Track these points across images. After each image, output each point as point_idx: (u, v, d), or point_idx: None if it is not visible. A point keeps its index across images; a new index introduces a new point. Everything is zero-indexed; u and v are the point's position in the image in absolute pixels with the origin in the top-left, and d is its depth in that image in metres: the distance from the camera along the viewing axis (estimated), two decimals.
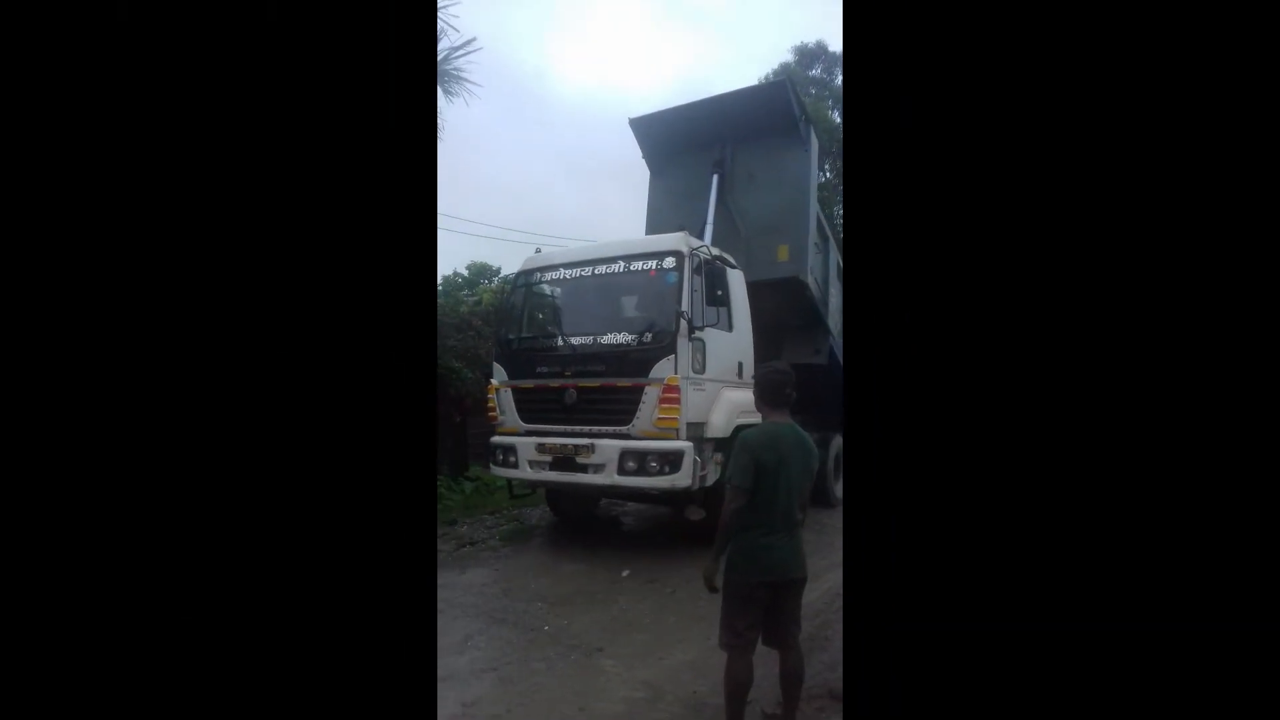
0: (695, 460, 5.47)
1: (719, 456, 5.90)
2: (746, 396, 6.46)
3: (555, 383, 5.91)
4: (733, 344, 6.26)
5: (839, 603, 4.47)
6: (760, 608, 2.64)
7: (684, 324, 5.53)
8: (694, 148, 7.92)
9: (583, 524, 7.16)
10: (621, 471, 5.46)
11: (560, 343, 5.97)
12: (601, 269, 6.09)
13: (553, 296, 6.23)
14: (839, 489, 9.29)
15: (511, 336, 6.45)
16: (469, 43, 8.53)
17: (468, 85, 8.63)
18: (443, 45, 8.33)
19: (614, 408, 5.64)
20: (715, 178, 7.79)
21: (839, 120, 18.56)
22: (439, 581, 4.56)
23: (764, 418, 2.79)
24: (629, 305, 5.99)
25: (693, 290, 5.66)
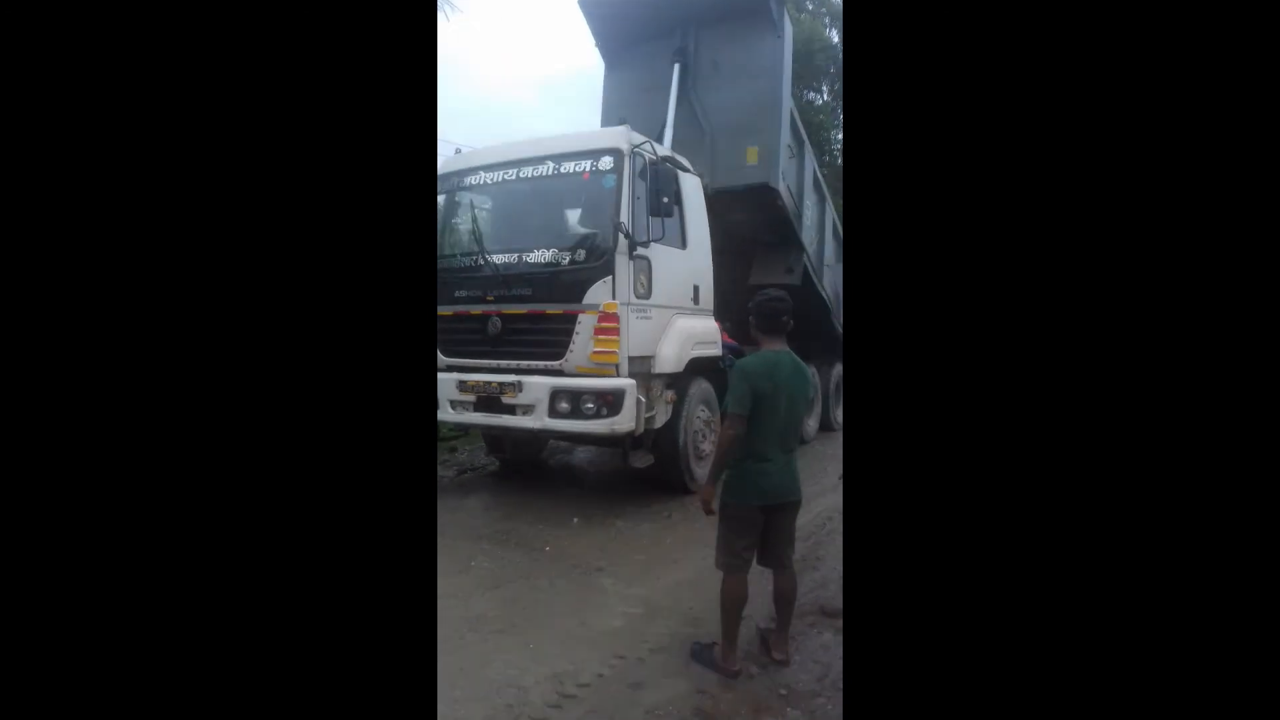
0: (639, 400, 4.63)
1: (670, 394, 5.07)
2: (704, 325, 5.53)
3: (477, 309, 4.99)
4: (686, 263, 5.34)
5: (830, 525, 4.74)
6: (756, 530, 2.74)
7: (623, 239, 4.59)
8: (653, 34, 6.80)
9: (528, 471, 6.38)
10: (553, 413, 4.62)
11: (481, 262, 5.02)
12: (528, 172, 5.08)
13: (472, 206, 5.23)
14: (839, 414, 8.83)
15: None
16: None
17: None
18: None
19: (544, 339, 4.75)
20: (676, 68, 6.70)
21: (837, 40, 17.43)
22: (440, 506, 4.66)
23: (760, 345, 2.77)
24: (560, 216, 5.02)
25: (635, 197, 4.69)
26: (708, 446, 5.45)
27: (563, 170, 4.93)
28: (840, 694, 2.59)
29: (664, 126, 6.46)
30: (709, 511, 2.77)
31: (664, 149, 5.23)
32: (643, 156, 4.80)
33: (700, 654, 2.87)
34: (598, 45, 7.48)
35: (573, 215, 5.00)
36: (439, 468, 6.42)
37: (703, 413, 5.43)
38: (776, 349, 2.72)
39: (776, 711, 2.55)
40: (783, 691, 2.67)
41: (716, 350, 5.60)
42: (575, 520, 4.79)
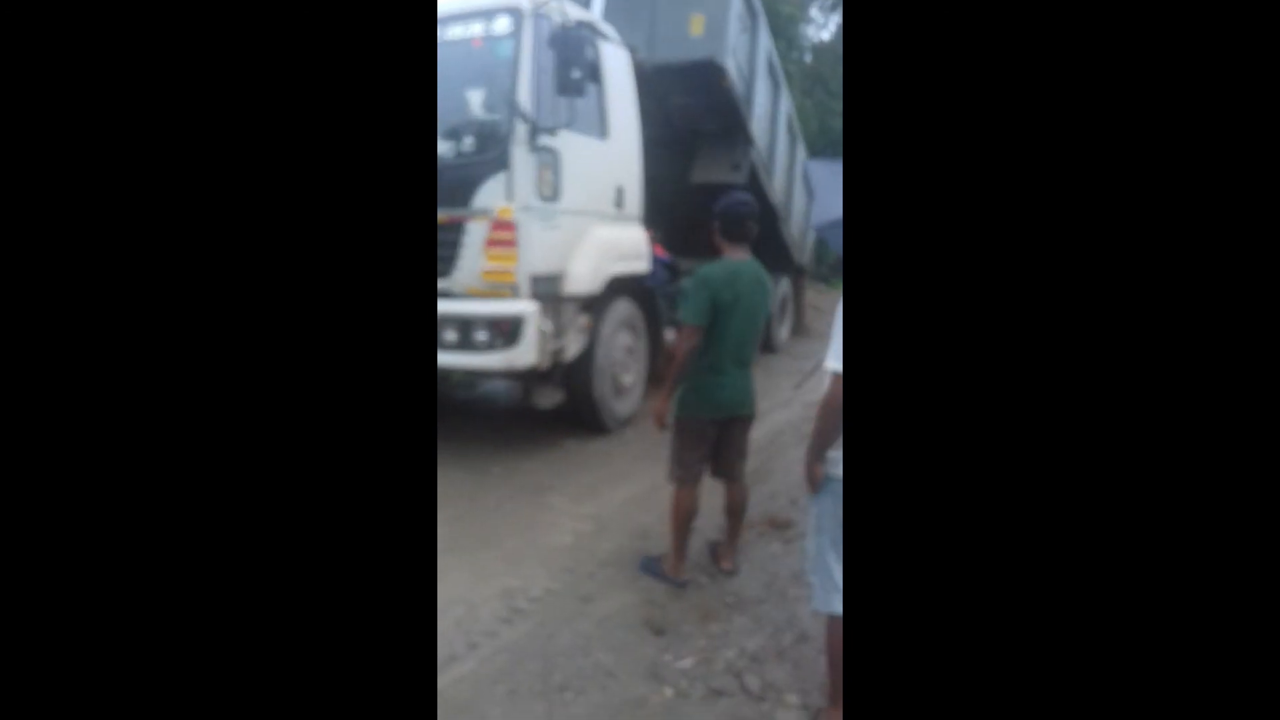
0: (544, 328, 3.81)
1: (585, 320, 4.25)
2: (628, 235, 4.57)
3: None
4: (607, 157, 4.39)
5: (781, 440, 4.74)
6: (709, 443, 2.71)
7: (522, 124, 3.62)
8: None
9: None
10: (439, 345, 3.79)
11: None
12: None
13: None
14: (784, 332, 8.42)
15: None
16: None
17: None
18: None
19: None
20: None
21: None
22: None
23: (723, 253, 2.63)
24: (446, 96, 3.98)
25: (539, 70, 3.68)
26: (630, 379, 4.70)
27: (449, 36, 3.86)
28: (785, 600, 2.74)
29: None
30: (661, 426, 2.73)
31: (581, 12, 4.15)
32: (550, 19, 3.75)
33: (649, 566, 2.89)
34: None
35: (463, 95, 3.96)
36: None
37: (624, 339, 4.63)
38: (739, 258, 2.59)
39: (723, 618, 2.61)
40: (729, 599, 2.74)
41: (643, 265, 4.74)
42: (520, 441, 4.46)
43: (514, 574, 2.86)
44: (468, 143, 3.73)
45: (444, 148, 3.75)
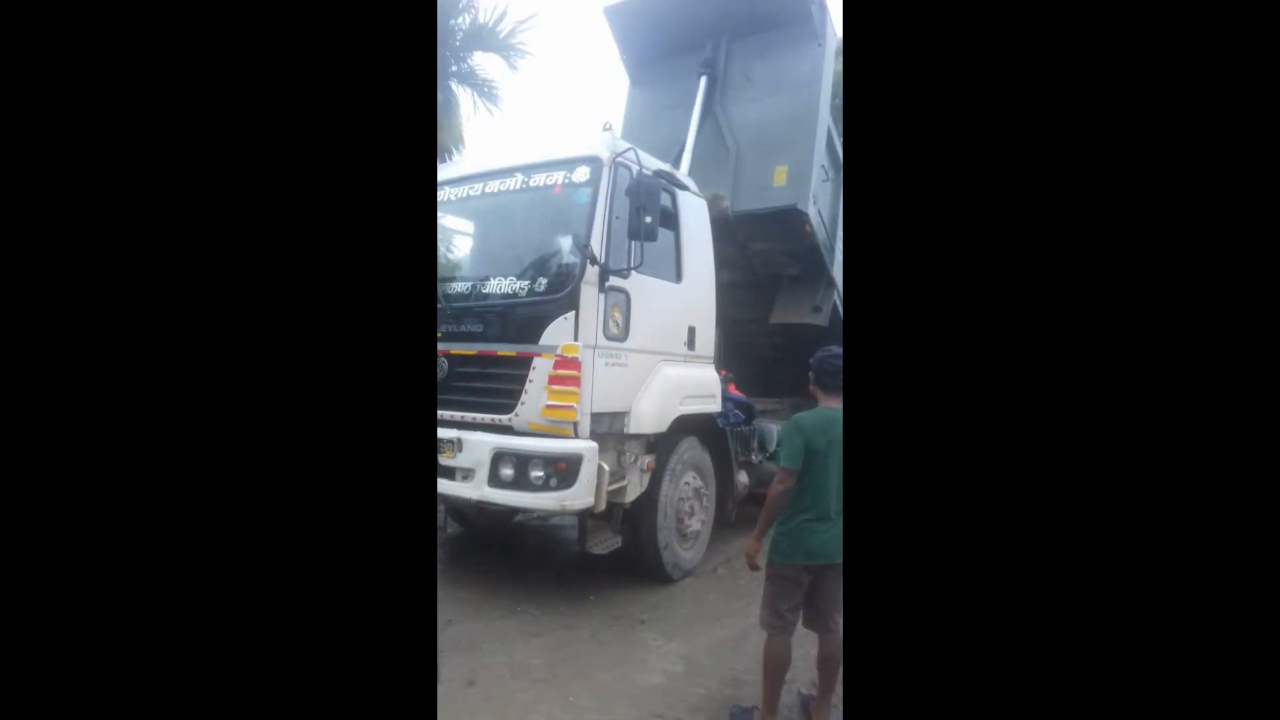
0: (601, 468, 3.70)
1: (649, 461, 4.11)
2: (698, 375, 4.47)
3: None
4: (680, 300, 4.41)
5: None
6: (802, 590, 2.67)
7: (592, 266, 3.71)
8: (682, 47, 6.08)
9: (494, 542, 5.48)
10: (494, 481, 3.73)
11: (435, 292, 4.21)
12: (494, 186, 4.27)
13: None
14: None
15: None
16: (531, 17, 9.13)
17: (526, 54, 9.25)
18: (510, 18, 9.03)
19: (493, 387, 3.89)
20: (703, 80, 5.95)
21: None
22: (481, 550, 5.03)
23: (819, 402, 2.70)
24: (526, 239, 4.16)
25: (613, 216, 3.81)
26: (696, 524, 4.45)
27: (532, 184, 4.10)
28: None
29: (684, 144, 5.66)
30: (753, 567, 2.77)
31: (657, 162, 4.33)
32: (627, 167, 3.92)
33: (740, 718, 2.82)
34: (622, 59, 6.80)
35: (542, 239, 4.14)
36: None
37: (691, 481, 4.44)
38: (833, 407, 2.64)
39: None
40: None
41: (714, 405, 4.61)
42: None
43: (604, 711, 2.87)
44: (541, 283, 3.84)
45: (516, 286, 3.88)
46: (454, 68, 9.26)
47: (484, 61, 9.46)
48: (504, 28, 9.15)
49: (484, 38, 9.20)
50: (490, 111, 9.69)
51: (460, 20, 9.09)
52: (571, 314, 3.69)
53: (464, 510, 5.02)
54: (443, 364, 4.02)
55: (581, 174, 3.93)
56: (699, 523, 4.49)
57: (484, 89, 9.55)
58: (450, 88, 9.39)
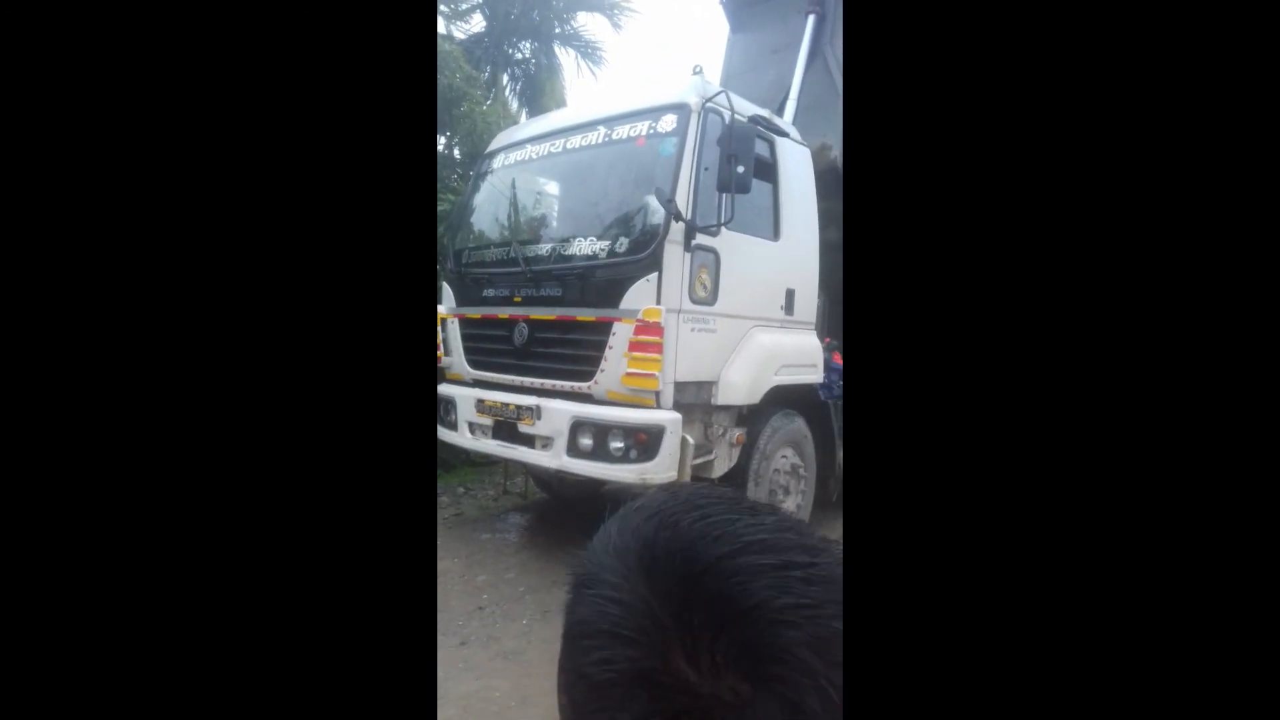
0: (685, 440, 3.43)
1: (739, 434, 3.80)
2: (797, 342, 4.08)
3: (504, 312, 4.04)
4: (778, 260, 4.02)
5: None
6: None
7: (676, 222, 3.40)
8: None
9: (583, 511, 5.35)
10: (573, 450, 3.55)
11: (512, 253, 4.04)
12: (576, 141, 4.03)
13: (513, 186, 4.27)
14: None
15: (461, 246, 4.58)
16: None
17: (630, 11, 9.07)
18: None
19: (572, 353, 3.69)
20: (810, 19, 5.48)
21: None
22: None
23: None
24: (608, 195, 3.90)
25: (700, 168, 3.48)
26: (792, 504, 4.11)
27: (614, 136, 3.83)
28: None
29: (789, 91, 5.23)
30: None
31: (754, 107, 3.93)
32: (717, 113, 3.56)
33: None
34: (722, 2, 6.38)
35: (624, 195, 3.86)
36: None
37: (788, 457, 4.08)
38: None
39: None
40: None
41: (815, 376, 4.21)
42: None
43: None
44: (623, 243, 3.58)
45: (597, 247, 3.64)
46: (557, 30, 9.10)
47: (588, 22, 9.25)
48: None
49: None
50: (593, 72, 9.50)
51: None
52: (654, 276, 3.41)
53: (547, 479, 4.92)
54: (522, 329, 3.87)
55: (668, 123, 3.61)
56: (794, 503, 4.14)
57: (587, 50, 9.34)
58: (553, 50, 9.26)
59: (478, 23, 8.91)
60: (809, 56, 5.39)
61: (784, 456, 4.07)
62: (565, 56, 9.39)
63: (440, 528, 4.62)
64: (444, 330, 4.43)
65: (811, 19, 5.48)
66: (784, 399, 4.02)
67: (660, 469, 3.35)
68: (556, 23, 9.02)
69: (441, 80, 6.35)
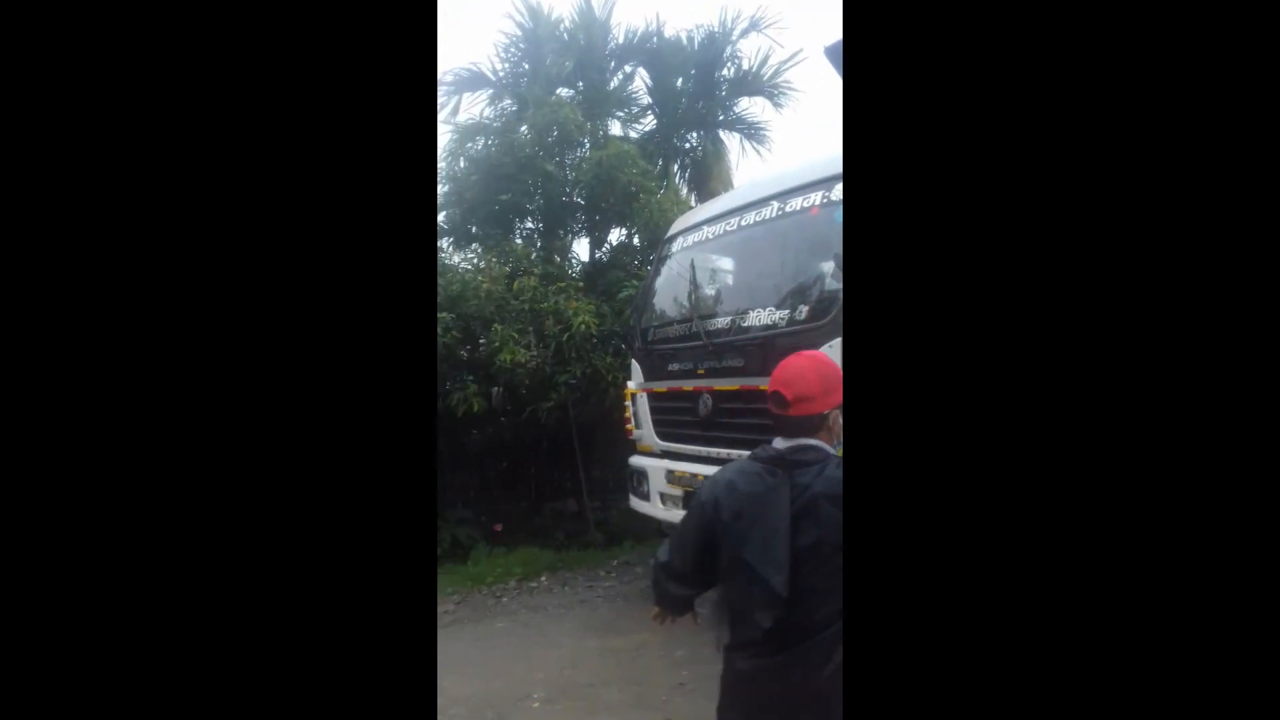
0: None
1: None
2: None
3: (689, 385, 4.20)
4: None
5: None
6: None
7: None
8: None
9: None
10: None
11: (694, 328, 4.22)
12: (750, 218, 4.19)
13: (692, 266, 4.49)
14: None
15: (647, 325, 4.85)
16: (796, 54, 8.97)
17: (793, 94, 9.22)
18: (773, 60, 9.02)
19: (756, 421, 3.74)
20: None
21: None
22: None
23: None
24: (784, 266, 3.99)
25: None
26: None
27: (788, 209, 3.95)
28: None
29: None
30: None
31: None
32: None
33: None
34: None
35: (801, 264, 3.94)
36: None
37: None
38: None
39: None
40: None
41: None
42: None
43: None
44: (801, 310, 3.63)
45: (776, 316, 3.72)
46: (720, 116, 9.54)
47: (750, 105, 9.61)
48: (767, 70, 9.24)
49: (748, 83, 9.36)
50: (758, 152, 9.78)
51: (725, 71, 9.37)
52: (836, 341, 3.41)
53: None
54: (706, 400, 4.00)
55: (840, 190, 3.67)
56: None
57: (750, 131, 9.68)
58: (719, 136, 9.69)
59: (649, 122, 9.58)
60: None
61: None
62: (730, 139, 9.79)
63: (636, 599, 4.74)
64: (634, 405, 4.67)
65: None
66: None
67: None
68: (719, 110, 9.47)
69: (620, 177, 6.88)
